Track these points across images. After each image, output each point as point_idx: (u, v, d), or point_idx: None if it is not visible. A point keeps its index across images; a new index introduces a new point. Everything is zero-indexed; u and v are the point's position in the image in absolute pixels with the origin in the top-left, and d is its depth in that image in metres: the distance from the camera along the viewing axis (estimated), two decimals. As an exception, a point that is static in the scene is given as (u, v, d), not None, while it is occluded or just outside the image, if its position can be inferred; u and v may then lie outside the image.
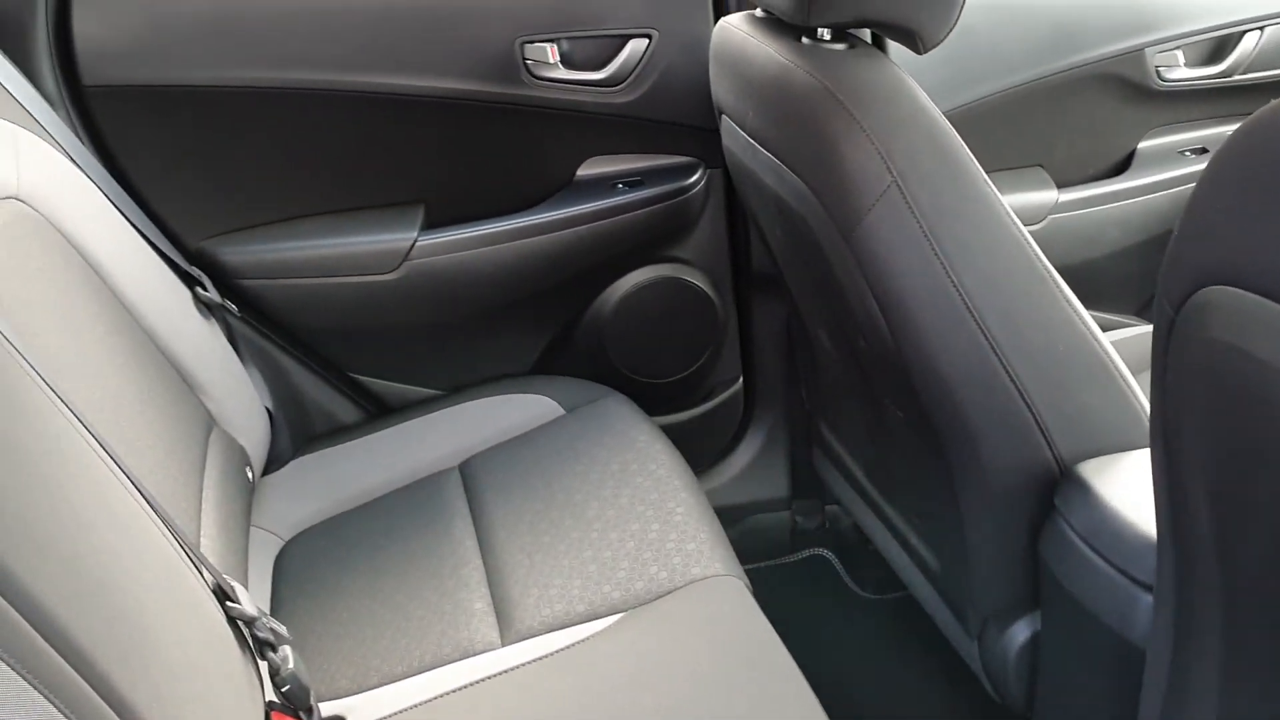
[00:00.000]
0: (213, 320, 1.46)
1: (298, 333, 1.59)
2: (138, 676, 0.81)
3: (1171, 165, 1.87)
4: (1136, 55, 1.83)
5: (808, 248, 1.24)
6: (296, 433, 1.61)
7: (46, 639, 0.74)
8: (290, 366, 1.61)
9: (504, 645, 1.20)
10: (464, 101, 1.53)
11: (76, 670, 0.75)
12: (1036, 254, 1.12)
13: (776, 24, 1.28)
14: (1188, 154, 1.88)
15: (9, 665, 0.69)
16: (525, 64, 1.53)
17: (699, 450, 1.46)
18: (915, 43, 1.14)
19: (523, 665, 1.15)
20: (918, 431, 1.25)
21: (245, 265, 1.53)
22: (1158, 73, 1.85)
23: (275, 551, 1.43)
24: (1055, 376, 1.14)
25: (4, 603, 0.72)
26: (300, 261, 1.54)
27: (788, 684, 1.08)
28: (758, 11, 1.34)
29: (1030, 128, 1.83)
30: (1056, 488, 1.15)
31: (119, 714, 0.78)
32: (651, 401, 1.61)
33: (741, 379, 1.81)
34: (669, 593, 1.21)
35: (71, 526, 0.84)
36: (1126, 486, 1.09)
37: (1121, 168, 1.89)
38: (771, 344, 1.77)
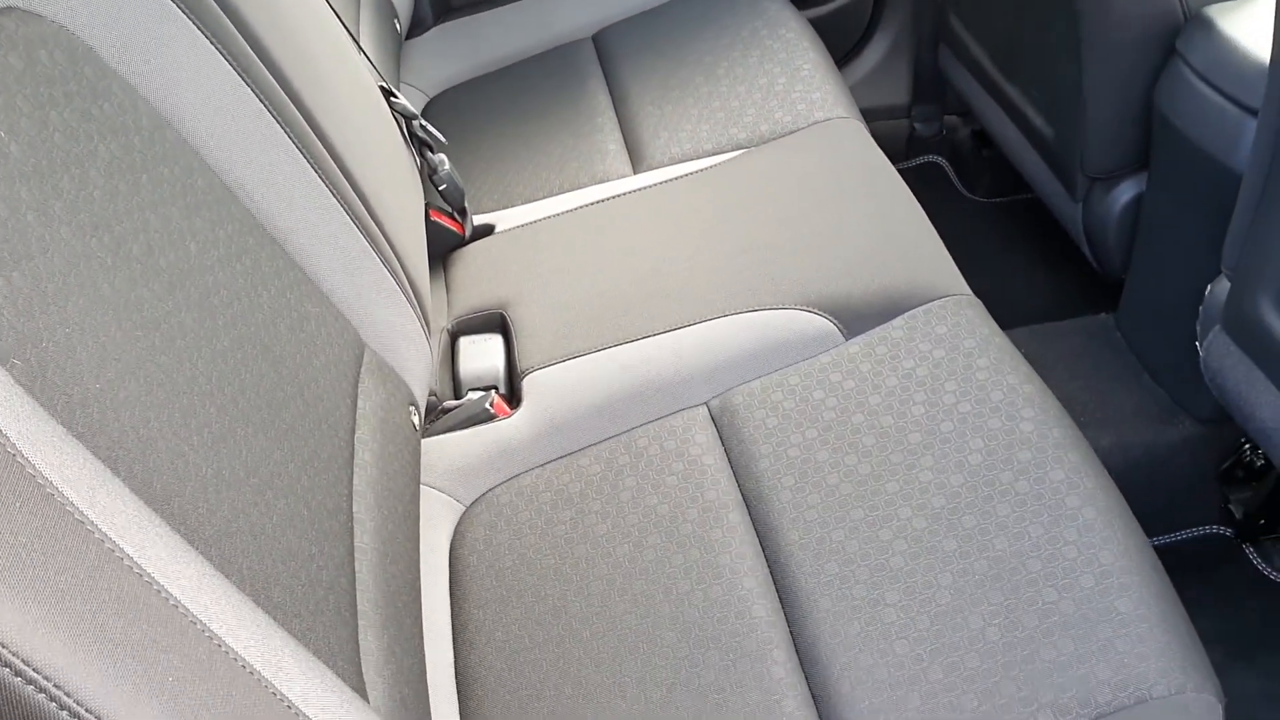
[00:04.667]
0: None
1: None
2: (325, 106, 0.92)
3: None
4: None
5: None
6: (437, 1, 1.68)
7: (246, 40, 0.84)
8: (432, -69, 1.66)
9: (636, 174, 1.30)
10: None
11: (279, 83, 0.86)
12: None
13: None
14: None
15: (216, 49, 0.79)
16: None
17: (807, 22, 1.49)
18: None
19: (653, 186, 1.25)
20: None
21: None
22: None
23: (422, 105, 1.54)
24: (1194, -81, 1.14)
25: (228, 22, 0.82)
26: None
27: (896, 196, 1.17)
28: None
29: None
30: (1179, 32, 1.18)
31: (314, 130, 0.89)
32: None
33: (874, -25, 1.81)
34: (792, 132, 1.28)
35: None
36: (1247, 26, 1.11)
37: None
38: (907, -60, 1.76)
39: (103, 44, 0.70)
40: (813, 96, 1.32)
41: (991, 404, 0.92)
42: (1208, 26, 1.13)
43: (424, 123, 1.18)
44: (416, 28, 1.63)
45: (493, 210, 1.30)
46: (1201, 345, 1.11)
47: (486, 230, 1.26)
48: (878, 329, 1.02)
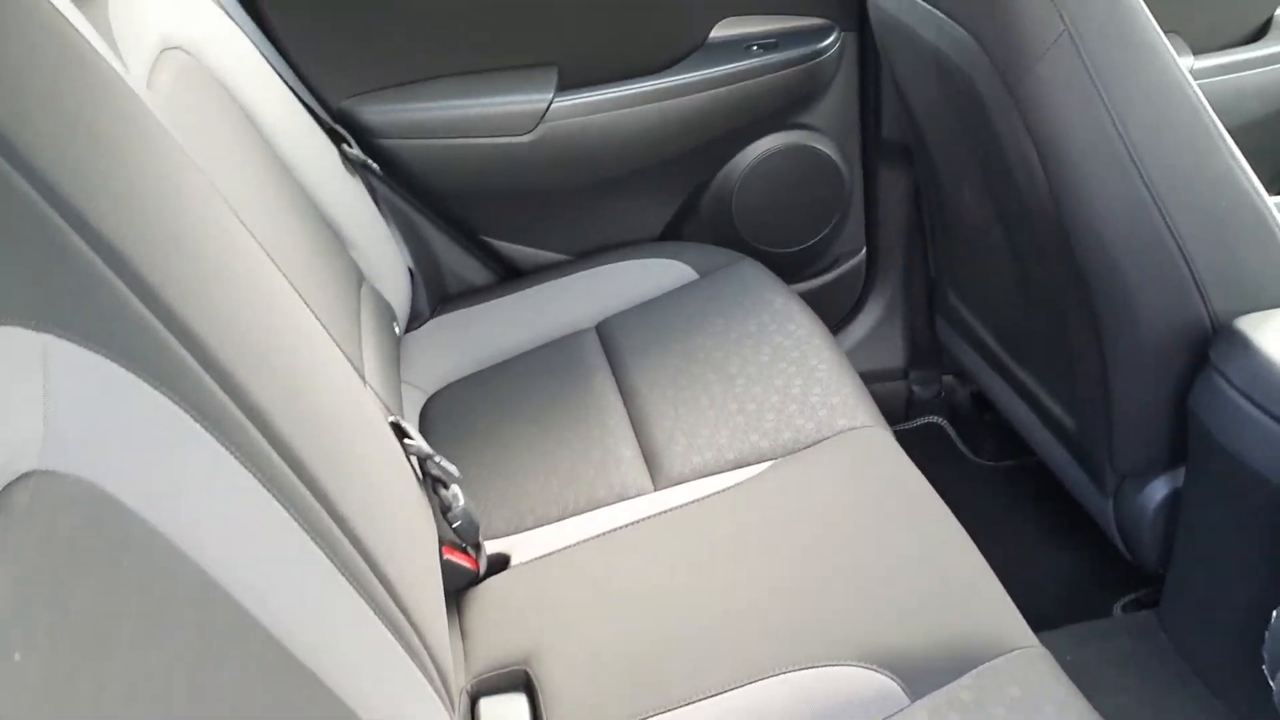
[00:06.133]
0: (358, 179, 1.49)
1: (433, 194, 1.62)
2: (344, 486, 0.86)
3: (1312, 33, 1.81)
4: (1281, -85, 1.77)
5: (966, 103, 1.23)
6: (432, 293, 1.65)
7: (273, 446, 0.78)
8: (426, 227, 1.64)
9: (656, 490, 1.23)
10: (600, -39, 1.52)
11: (298, 476, 0.80)
12: (1203, 106, 1.11)
13: None
14: (1330, 21, 1.82)
15: (235, 458, 0.73)
16: (662, -78, 1.52)
17: (814, 311, 1.48)
18: None
19: (678, 508, 1.19)
20: (1065, 290, 1.25)
21: (384, 125, 1.55)
22: (1302, -66, 1.78)
23: (420, 404, 1.48)
24: (1216, 232, 1.13)
25: (229, 401, 0.76)
26: (437, 122, 1.56)
27: (944, 527, 1.10)
28: None
29: (1168, -7, 1.78)
30: (1211, 343, 1.15)
31: (334, 519, 0.83)
32: (775, 271, 1.62)
33: (865, 250, 1.81)
34: (817, 442, 1.23)
35: (282, 348, 0.88)
36: (1286, 340, 1.10)
37: (1258, 35, 1.84)
38: (896, 214, 1.77)
39: (123, 488, 0.63)
40: (832, 401, 1.28)
41: (1084, 791, 0.84)
42: (1243, 342, 1.11)
43: (439, 460, 1.12)
44: (413, 321, 1.59)
45: (505, 535, 1.23)
46: (1274, 679, 1.05)
47: (501, 562, 1.18)
48: (944, 690, 0.94)
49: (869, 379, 1.85)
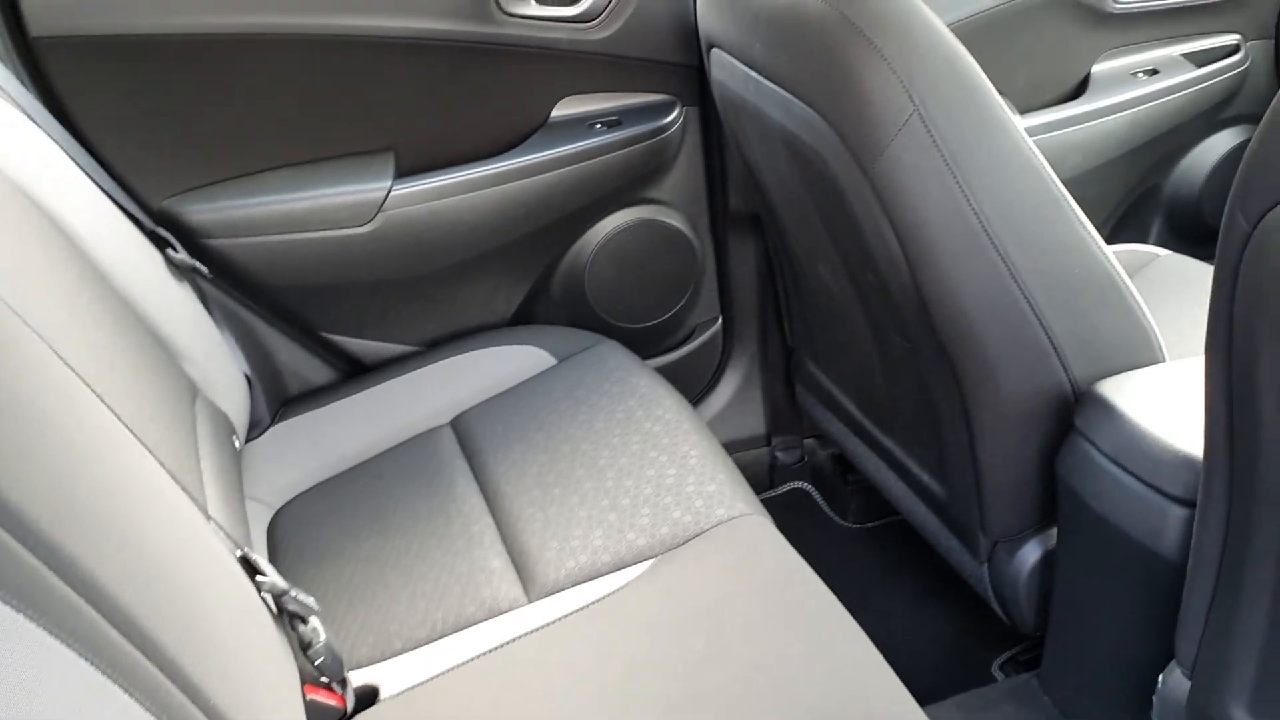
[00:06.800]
0: (186, 283, 1.38)
1: (267, 293, 1.52)
2: (195, 653, 0.77)
3: (1125, 88, 1.89)
4: (1089, -22, 1.85)
5: (818, 182, 1.22)
6: (271, 397, 1.55)
7: (113, 625, 0.70)
8: (261, 328, 1.54)
9: (530, 602, 1.17)
10: (433, 42, 1.46)
11: (143, 654, 0.71)
12: (1051, 177, 1.12)
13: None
14: (1140, 75, 1.91)
15: (70, 648, 0.64)
16: (496, 0, 1.47)
17: (680, 393, 1.45)
18: None
19: (556, 621, 1.12)
20: (926, 362, 1.25)
21: (210, 224, 1.45)
22: (1110, -4, 1.87)
23: (266, 521, 1.38)
24: (1070, 299, 1.15)
25: (59, 582, 0.67)
26: (268, 217, 1.47)
27: (831, 615, 1.07)
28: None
29: (991, 55, 1.83)
30: (1076, 408, 1.17)
31: (186, 693, 0.74)
32: (632, 347, 1.58)
33: (720, 319, 1.80)
34: (696, 536, 1.19)
35: (115, 502, 0.79)
36: (1147, 403, 1.11)
37: (1077, 92, 1.91)
38: (749, 282, 1.76)
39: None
40: (708, 490, 1.24)
41: None
42: (1107, 408, 1.12)
43: (295, 593, 1.03)
44: (253, 429, 1.48)
45: (371, 663, 1.14)
46: (1167, 744, 1.05)
47: (370, 695, 1.09)
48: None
49: (732, 448, 1.84)
